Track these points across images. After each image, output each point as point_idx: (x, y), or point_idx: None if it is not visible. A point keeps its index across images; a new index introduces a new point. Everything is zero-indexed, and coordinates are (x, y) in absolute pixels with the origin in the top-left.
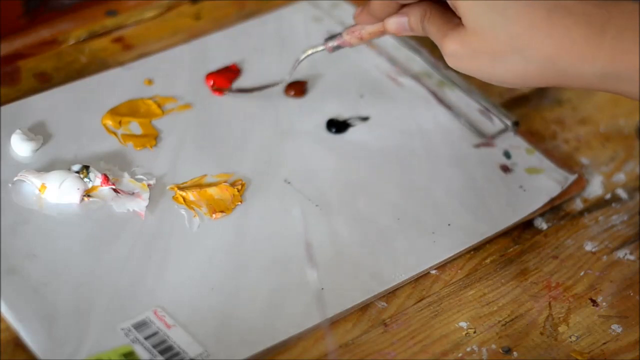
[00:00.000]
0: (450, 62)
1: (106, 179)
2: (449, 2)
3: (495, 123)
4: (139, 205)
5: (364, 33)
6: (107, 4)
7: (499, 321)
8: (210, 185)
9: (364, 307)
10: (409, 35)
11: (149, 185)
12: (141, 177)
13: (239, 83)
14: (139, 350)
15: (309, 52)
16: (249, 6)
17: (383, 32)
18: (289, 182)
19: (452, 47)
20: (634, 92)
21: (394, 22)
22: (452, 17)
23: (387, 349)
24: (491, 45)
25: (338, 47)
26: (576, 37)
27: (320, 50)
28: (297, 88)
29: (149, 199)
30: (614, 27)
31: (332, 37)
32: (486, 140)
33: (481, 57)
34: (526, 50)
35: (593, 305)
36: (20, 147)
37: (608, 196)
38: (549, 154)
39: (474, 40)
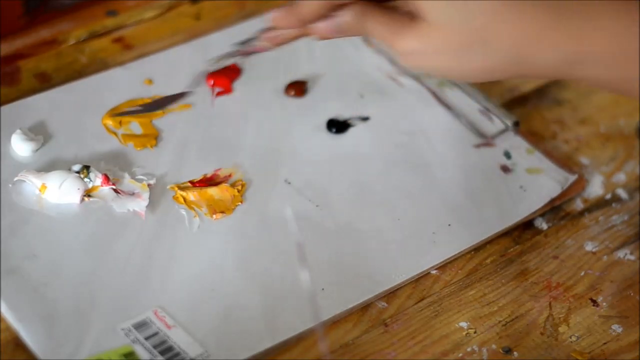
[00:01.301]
0: (407, 60)
1: (106, 179)
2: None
3: (495, 123)
4: (139, 205)
5: (281, 37)
6: (107, 4)
7: (499, 321)
8: (211, 184)
9: (364, 307)
10: (337, 37)
11: (149, 185)
12: (141, 177)
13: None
14: (139, 351)
15: (220, 58)
16: (249, 6)
17: (304, 35)
18: (289, 182)
19: (410, 45)
20: (599, 76)
21: (324, 25)
22: (396, 13)
23: (388, 349)
24: (455, 39)
25: (252, 53)
26: (538, 24)
27: (233, 55)
28: (297, 88)
29: (149, 199)
30: (574, 12)
31: (245, 42)
32: (486, 140)
33: (445, 53)
34: (491, 41)
35: (593, 305)
36: (21, 147)
37: (608, 196)
38: (549, 154)
39: (436, 35)
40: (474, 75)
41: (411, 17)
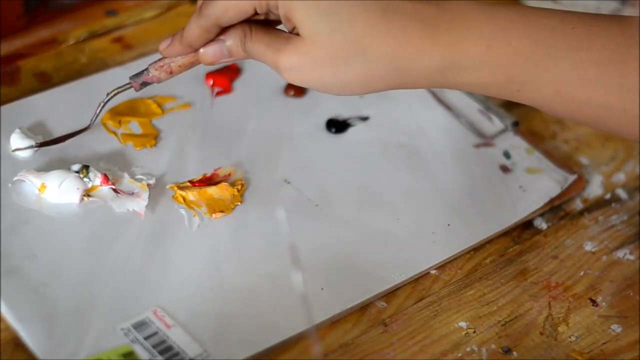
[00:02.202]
0: (288, 76)
1: (106, 178)
2: (281, 12)
3: (495, 123)
4: (139, 205)
5: (173, 66)
6: (107, 4)
7: (499, 321)
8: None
9: (363, 307)
10: (227, 62)
11: (148, 185)
12: (141, 176)
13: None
14: (139, 350)
15: (113, 92)
16: None
17: (196, 62)
18: (288, 182)
19: (290, 61)
20: (475, 82)
21: (210, 50)
22: (279, 32)
23: (387, 349)
24: (331, 51)
25: (145, 84)
26: (412, 33)
27: (127, 89)
28: (297, 88)
29: (149, 198)
30: (446, 21)
31: (138, 74)
32: (486, 140)
33: (322, 66)
34: (366, 52)
35: (593, 305)
36: (20, 146)
37: (608, 196)
38: (549, 154)
39: (312, 48)
40: (352, 88)
41: (290, 33)
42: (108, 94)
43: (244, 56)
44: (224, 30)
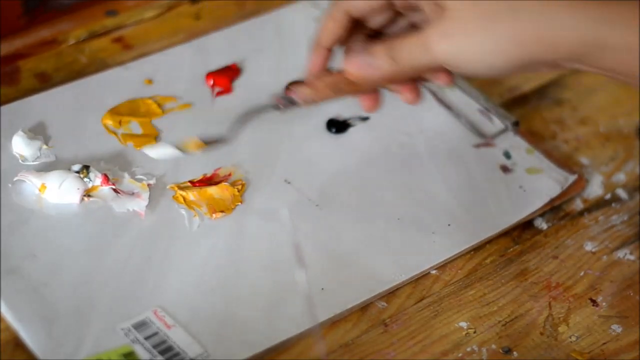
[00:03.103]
0: (441, 50)
1: (106, 178)
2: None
3: (495, 123)
4: (139, 205)
5: (319, 85)
6: (107, 4)
7: (499, 321)
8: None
9: (364, 307)
10: (373, 77)
11: (148, 185)
12: (141, 177)
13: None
14: (139, 351)
15: (257, 110)
16: (249, 6)
17: (341, 82)
18: (289, 182)
19: (440, 28)
20: (618, 63)
21: (354, 63)
22: (416, 29)
23: (387, 349)
24: (480, 9)
25: (291, 104)
26: (560, 4)
27: (272, 108)
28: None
29: (149, 198)
30: None
31: (284, 95)
32: (486, 140)
33: (473, 29)
34: (517, 9)
35: (593, 305)
36: (22, 148)
37: (608, 196)
38: (549, 154)
39: (461, 11)
40: (501, 55)
41: (428, 20)
42: (250, 112)
43: (390, 67)
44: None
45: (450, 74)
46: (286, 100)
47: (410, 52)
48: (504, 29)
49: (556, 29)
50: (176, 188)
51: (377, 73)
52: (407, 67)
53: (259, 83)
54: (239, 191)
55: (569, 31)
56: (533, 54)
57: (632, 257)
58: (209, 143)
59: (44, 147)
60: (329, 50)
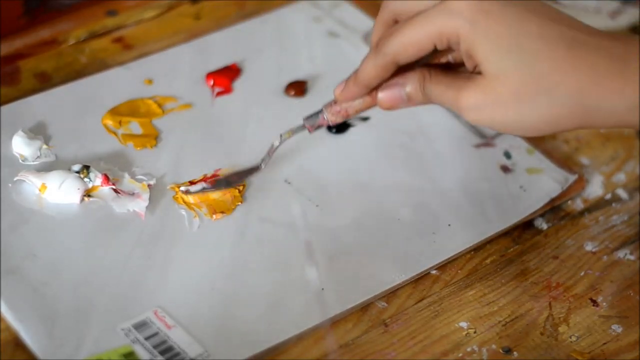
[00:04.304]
0: (470, 116)
1: (106, 179)
2: (462, 48)
3: None
4: (139, 205)
5: (350, 111)
6: (107, 4)
7: (499, 321)
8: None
9: (364, 307)
10: (404, 107)
11: (149, 185)
12: (141, 177)
13: (240, 85)
14: (139, 351)
15: (287, 134)
16: (249, 6)
17: (372, 106)
18: (289, 182)
19: (472, 99)
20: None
21: (388, 94)
22: (458, 73)
23: (387, 349)
24: (516, 88)
25: (319, 127)
26: (602, 70)
27: (300, 131)
28: (297, 88)
29: (149, 199)
30: (634, 58)
31: (312, 117)
32: (486, 140)
33: (506, 104)
34: (553, 89)
35: (593, 305)
36: (22, 148)
37: (608, 196)
38: (549, 154)
39: (496, 85)
40: (537, 127)
41: (470, 73)
42: (282, 136)
43: (422, 100)
44: (399, 70)
45: None
46: (316, 127)
47: (442, 99)
48: (538, 109)
49: (597, 118)
50: (176, 188)
51: (410, 105)
52: (437, 103)
53: (259, 83)
54: (239, 192)
55: (609, 116)
56: (565, 129)
57: (632, 257)
58: (243, 175)
59: (44, 147)
60: (368, 87)
